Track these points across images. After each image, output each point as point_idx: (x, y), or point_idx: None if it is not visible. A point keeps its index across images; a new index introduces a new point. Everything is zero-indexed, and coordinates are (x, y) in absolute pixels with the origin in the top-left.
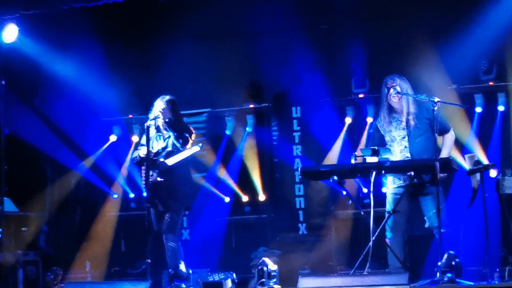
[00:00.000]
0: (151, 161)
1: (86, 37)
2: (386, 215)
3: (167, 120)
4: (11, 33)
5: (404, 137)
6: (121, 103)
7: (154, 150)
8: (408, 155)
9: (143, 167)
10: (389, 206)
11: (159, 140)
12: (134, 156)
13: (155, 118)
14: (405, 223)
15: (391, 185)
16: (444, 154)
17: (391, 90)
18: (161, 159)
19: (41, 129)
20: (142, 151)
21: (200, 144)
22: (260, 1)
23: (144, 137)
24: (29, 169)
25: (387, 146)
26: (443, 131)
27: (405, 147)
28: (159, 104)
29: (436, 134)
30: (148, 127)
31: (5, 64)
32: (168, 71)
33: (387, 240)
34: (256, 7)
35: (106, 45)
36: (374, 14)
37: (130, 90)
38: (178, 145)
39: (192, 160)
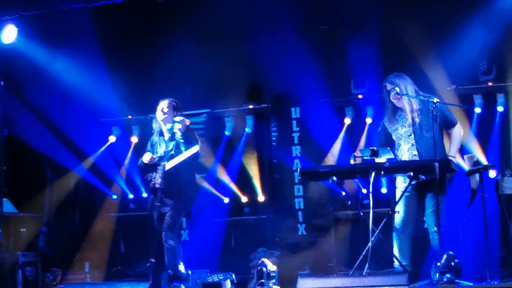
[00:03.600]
0: (154, 165)
1: (85, 38)
2: (396, 212)
3: (180, 134)
4: (10, 33)
5: (410, 135)
6: (120, 104)
7: (158, 154)
8: (416, 153)
9: (149, 174)
10: (399, 205)
11: (162, 144)
12: (139, 163)
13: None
14: (414, 223)
15: (401, 184)
16: (452, 151)
17: (392, 92)
18: (163, 163)
19: (40, 129)
20: (146, 157)
21: (198, 144)
22: (259, 2)
23: (149, 143)
24: (28, 170)
25: (395, 144)
26: (450, 125)
27: (412, 144)
28: (163, 108)
29: (443, 130)
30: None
31: (4, 65)
32: (167, 72)
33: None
34: (255, 8)
35: (105, 46)
36: (372, 14)
37: (129, 91)
38: (182, 149)
39: (194, 163)
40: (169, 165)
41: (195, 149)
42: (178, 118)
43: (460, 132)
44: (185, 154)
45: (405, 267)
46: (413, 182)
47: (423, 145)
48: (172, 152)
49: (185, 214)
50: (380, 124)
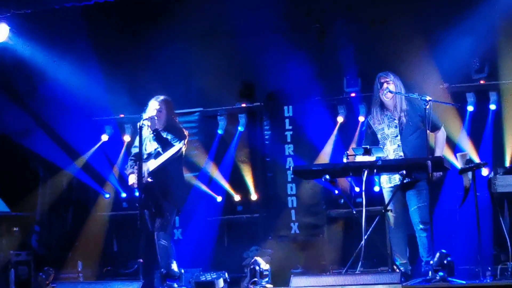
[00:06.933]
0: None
1: (78, 36)
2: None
3: (160, 129)
4: (1, 32)
5: (396, 136)
6: (113, 103)
7: (147, 151)
8: (401, 154)
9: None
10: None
11: (152, 141)
12: (126, 173)
13: (149, 119)
14: (406, 220)
15: (386, 184)
16: (437, 153)
17: (384, 85)
18: (149, 161)
19: (32, 128)
20: (131, 180)
21: (183, 141)
22: (252, 0)
23: (137, 139)
24: (21, 168)
25: (379, 144)
26: (435, 128)
27: (398, 145)
28: (154, 105)
29: (428, 131)
30: (141, 127)
31: None
32: (160, 70)
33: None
34: (247, 6)
35: (97, 44)
36: (365, 13)
37: (122, 89)
38: (176, 144)
39: (182, 160)
40: (151, 165)
41: (177, 147)
42: (145, 116)
43: (444, 135)
44: (167, 154)
45: (400, 269)
46: (403, 181)
47: (409, 146)
48: (159, 149)
49: (177, 212)
50: (364, 123)
